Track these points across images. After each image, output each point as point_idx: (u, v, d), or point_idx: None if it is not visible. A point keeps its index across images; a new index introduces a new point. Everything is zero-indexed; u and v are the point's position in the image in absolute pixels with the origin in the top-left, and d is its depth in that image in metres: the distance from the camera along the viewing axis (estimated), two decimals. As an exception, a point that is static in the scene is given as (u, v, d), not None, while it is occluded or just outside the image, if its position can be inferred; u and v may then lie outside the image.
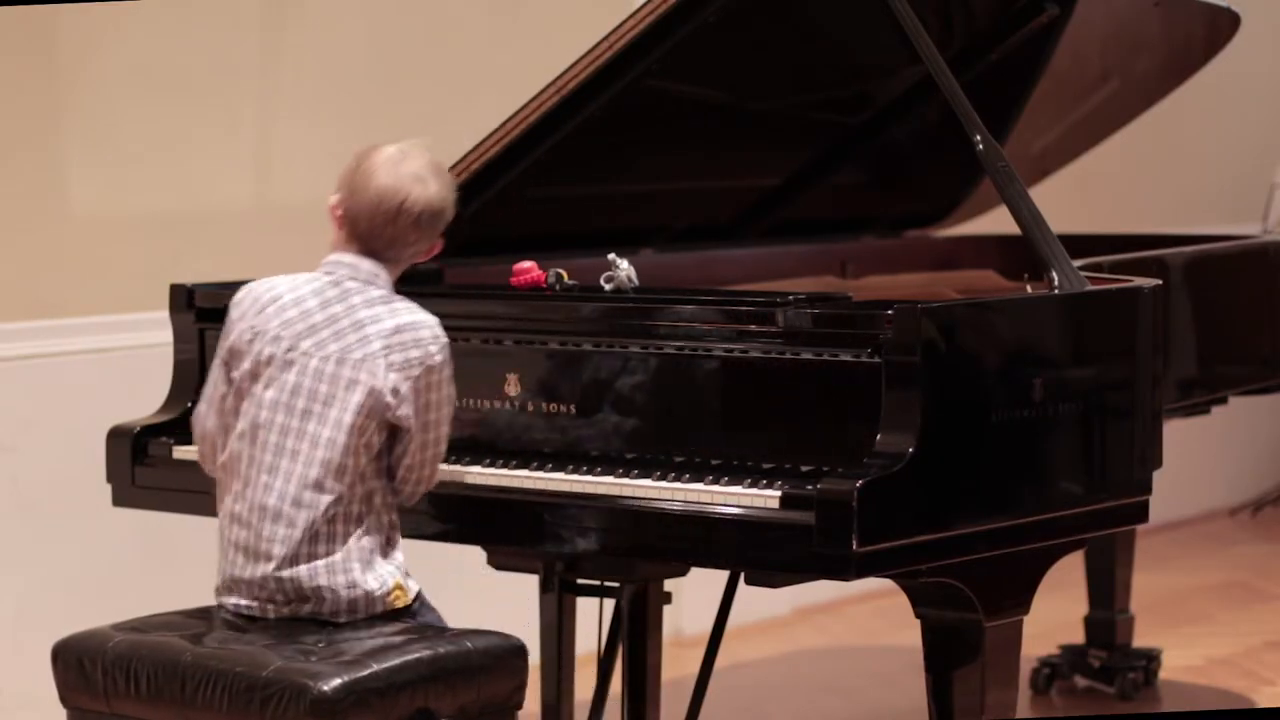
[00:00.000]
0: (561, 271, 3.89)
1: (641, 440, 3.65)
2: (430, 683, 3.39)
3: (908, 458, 3.33)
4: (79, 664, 3.54)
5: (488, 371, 3.83)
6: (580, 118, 4.13)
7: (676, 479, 3.54)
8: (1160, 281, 3.84)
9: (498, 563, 4.21)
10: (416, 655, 3.39)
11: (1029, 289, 4.13)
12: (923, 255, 5.29)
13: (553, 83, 4.06)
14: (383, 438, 3.53)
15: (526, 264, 3.91)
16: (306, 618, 3.50)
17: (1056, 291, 3.68)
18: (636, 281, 3.82)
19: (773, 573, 3.51)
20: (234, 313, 3.58)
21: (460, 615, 3.62)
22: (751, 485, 3.46)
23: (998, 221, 4.64)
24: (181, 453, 3.96)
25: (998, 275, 4.93)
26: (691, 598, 5.09)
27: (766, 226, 4.99)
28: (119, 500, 4.09)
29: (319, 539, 3.49)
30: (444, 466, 3.74)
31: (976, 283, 4.82)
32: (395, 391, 3.49)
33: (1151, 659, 5.45)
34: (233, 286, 3.69)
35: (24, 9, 4.99)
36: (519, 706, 3.54)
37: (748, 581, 3.56)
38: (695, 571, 3.91)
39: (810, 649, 6.11)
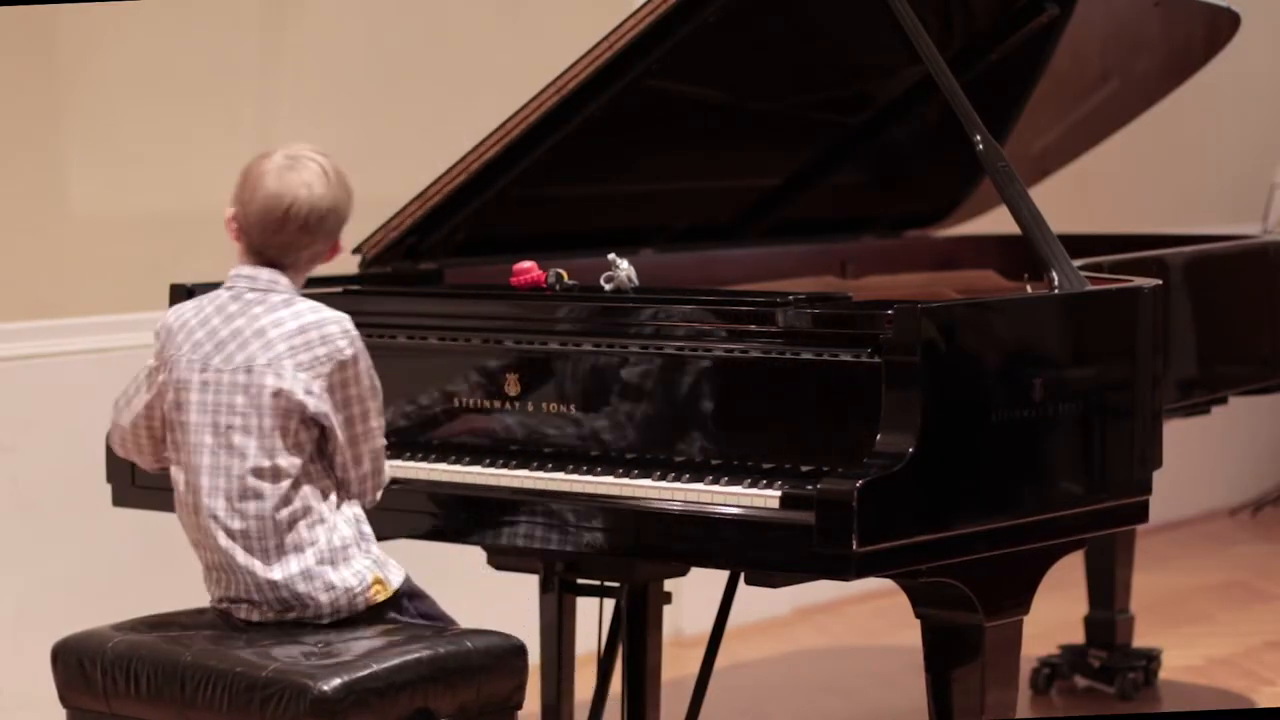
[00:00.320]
0: (561, 271, 3.89)
1: (641, 440, 3.65)
2: (430, 683, 3.39)
3: (908, 458, 3.32)
4: (79, 664, 3.54)
5: (488, 371, 3.83)
6: (580, 118, 4.12)
7: (676, 479, 3.54)
8: (1160, 281, 3.84)
9: (498, 563, 4.21)
10: (416, 655, 3.39)
11: (1029, 289, 4.13)
12: (923, 255, 5.29)
13: (553, 83, 4.06)
14: (313, 435, 3.51)
15: (526, 264, 3.91)
16: (294, 622, 3.51)
17: (1056, 291, 3.68)
18: (636, 281, 3.82)
19: (773, 573, 3.51)
20: (156, 348, 3.61)
21: (460, 615, 3.62)
22: (751, 485, 3.46)
23: (998, 221, 4.64)
24: (181, 453, 3.95)
25: (998, 275, 4.93)
26: (691, 598, 5.08)
27: (766, 226, 4.99)
28: (119, 500, 4.09)
29: (283, 548, 3.49)
30: (444, 466, 3.75)
31: (976, 283, 4.82)
32: (308, 391, 3.47)
33: (1151, 659, 5.45)
34: (233, 286, 3.70)
35: (24, 9, 4.99)
36: (519, 706, 3.54)
37: (748, 581, 3.56)
38: (695, 571, 3.91)
39: (810, 649, 6.11)
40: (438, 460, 3.82)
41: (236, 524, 3.48)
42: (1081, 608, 5.44)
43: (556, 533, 3.61)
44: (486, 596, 4.87)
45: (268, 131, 5.36)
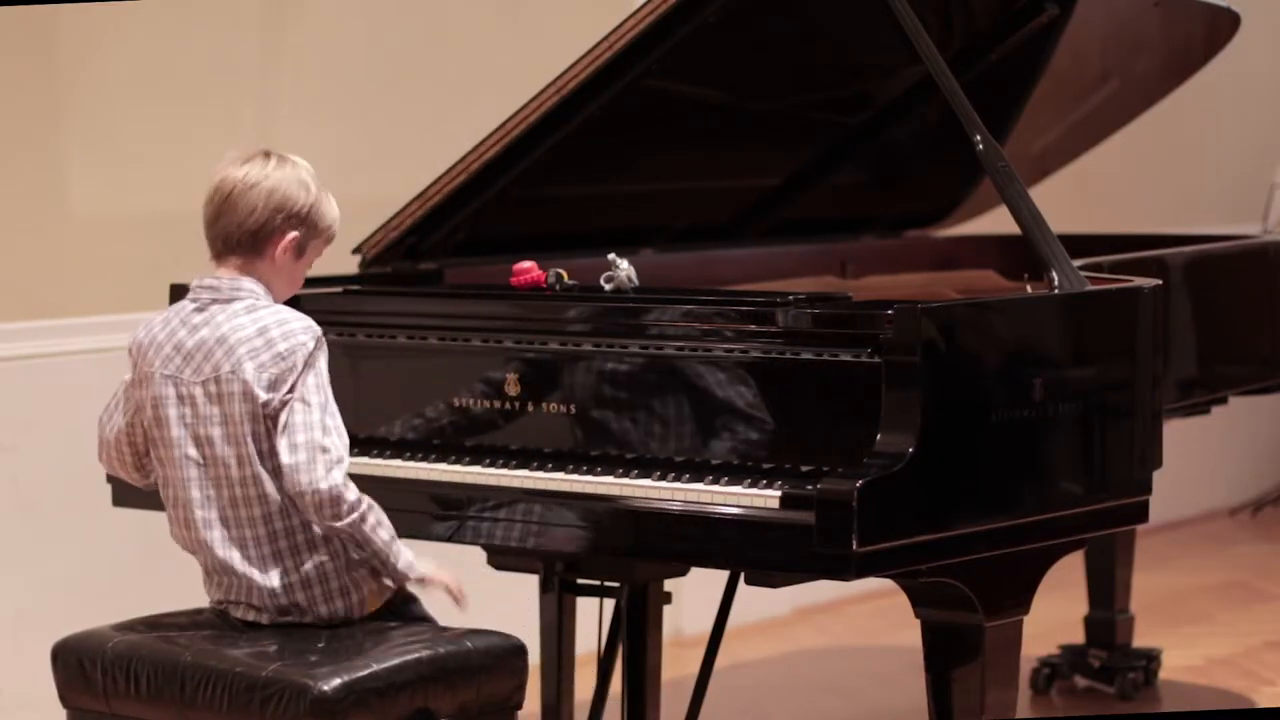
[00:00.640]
0: (561, 271, 3.89)
1: (641, 440, 3.65)
2: (430, 683, 3.39)
3: (908, 458, 3.32)
4: (79, 664, 3.54)
5: (488, 372, 3.83)
6: (580, 118, 4.12)
7: (676, 479, 3.54)
8: (1160, 281, 3.84)
9: (498, 563, 4.21)
10: (416, 655, 3.39)
11: (1029, 289, 4.13)
12: (923, 255, 5.29)
13: (553, 83, 4.06)
14: None
15: (526, 264, 3.91)
16: (294, 623, 3.51)
17: (1056, 291, 3.68)
18: (636, 281, 3.82)
19: (773, 573, 3.51)
20: (130, 364, 3.60)
21: (461, 615, 3.62)
22: (751, 485, 3.46)
23: (998, 221, 4.64)
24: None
25: (998, 275, 4.93)
26: (691, 598, 5.09)
27: (766, 226, 4.99)
28: (119, 500, 4.09)
29: (280, 555, 3.48)
30: (444, 466, 3.74)
31: (976, 283, 4.82)
32: (266, 386, 3.43)
33: (1151, 659, 5.45)
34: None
35: (24, 9, 4.99)
36: (519, 706, 3.54)
37: (748, 581, 3.56)
38: (695, 571, 3.91)
39: (810, 649, 6.11)
40: (438, 460, 3.82)
41: (231, 533, 3.48)
42: (1081, 608, 5.44)
43: (556, 533, 3.61)
44: (486, 596, 4.86)
45: (268, 131, 5.36)
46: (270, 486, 3.46)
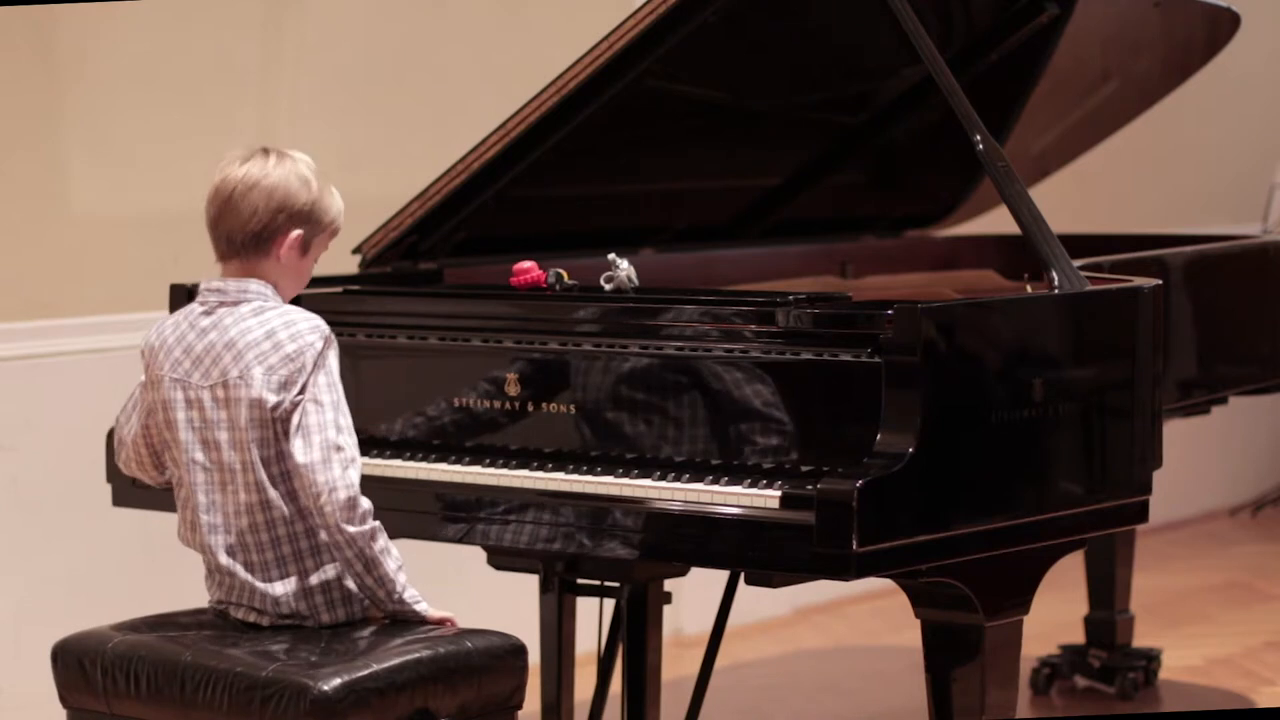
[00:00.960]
0: (561, 271, 3.89)
1: (642, 440, 3.65)
2: (430, 682, 3.39)
3: (908, 458, 3.33)
4: (79, 664, 3.53)
5: (488, 371, 3.83)
6: (580, 118, 4.12)
7: (676, 479, 3.54)
8: (1160, 281, 3.84)
9: (498, 563, 4.21)
10: (416, 655, 3.39)
11: (1029, 289, 4.13)
12: (923, 255, 5.29)
13: (553, 83, 4.06)
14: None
15: (526, 264, 3.91)
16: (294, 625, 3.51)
17: (1056, 291, 3.68)
18: (636, 281, 3.82)
19: (773, 573, 3.51)
20: (143, 367, 3.60)
21: (460, 615, 3.62)
22: (751, 485, 3.46)
23: (998, 221, 4.64)
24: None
25: (998, 275, 4.93)
26: (691, 598, 5.09)
27: (766, 226, 4.99)
28: (119, 500, 4.09)
29: (283, 561, 3.48)
30: (444, 466, 3.74)
31: (976, 283, 4.82)
32: (275, 389, 3.43)
33: (1151, 659, 5.45)
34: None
35: (24, 9, 4.99)
36: (519, 706, 3.54)
37: (748, 581, 3.56)
38: (695, 571, 3.91)
39: (810, 649, 6.11)
40: (438, 460, 3.82)
41: (234, 538, 3.48)
42: (1081, 608, 5.44)
43: (557, 533, 3.61)
44: (486, 596, 4.87)
45: (268, 131, 5.37)
46: (274, 494, 3.46)
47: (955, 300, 3.65)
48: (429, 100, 5.65)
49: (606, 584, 4.11)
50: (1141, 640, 5.55)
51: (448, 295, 4.14)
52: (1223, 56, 5.26)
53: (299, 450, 3.41)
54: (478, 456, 3.79)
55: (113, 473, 4.04)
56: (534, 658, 3.78)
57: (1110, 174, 6.98)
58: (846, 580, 3.32)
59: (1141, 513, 3.73)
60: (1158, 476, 3.75)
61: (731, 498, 3.44)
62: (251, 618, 3.51)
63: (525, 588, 4.53)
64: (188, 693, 3.39)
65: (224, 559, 3.48)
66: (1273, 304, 4.90)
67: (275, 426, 3.44)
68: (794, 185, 4.93)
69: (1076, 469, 3.61)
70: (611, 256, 3.83)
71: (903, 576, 3.46)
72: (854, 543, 3.26)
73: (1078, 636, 5.49)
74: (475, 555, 4.19)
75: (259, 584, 3.47)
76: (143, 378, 3.60)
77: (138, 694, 3.46)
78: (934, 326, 3.39)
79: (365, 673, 3.32)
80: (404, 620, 3.53)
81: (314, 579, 3.49)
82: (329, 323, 3.51)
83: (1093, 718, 5.29)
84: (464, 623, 3.56)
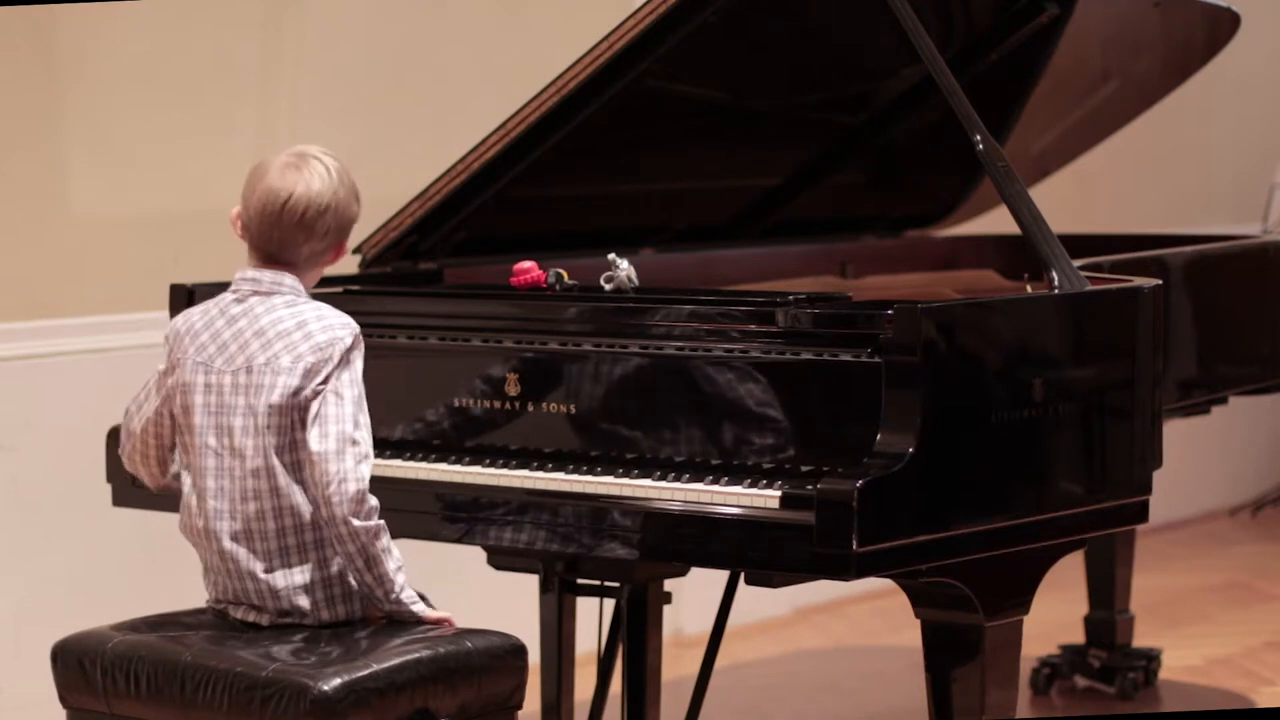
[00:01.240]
0: (561, 271, 3.89)
1: (641, 440, 3.65)
2: (430, 682, 3.39)
3: (908, 458, 3.33)
4: (79, 664, 3.53)
5: (488, 371, 3.83)
6: (580, 118, 4.13)
7: (676, 479, 3.54)
8: (1160, 281, 3.84)
9: (498, 563, 4.21)
10: (416, 655, 3.39)
11: (1029, 289, 4.13)
12: (923, 255, 5.29)
13: (553, 83, 4.06)
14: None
15: (526, 264, 3.91)
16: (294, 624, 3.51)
17: (1056, 291, 3.68)
18: (636, 281, 3.82)
19: (773, 573, 3.51)
20: (165, 352, 3.60)
21: (460, 615, 3.62)
22: (751, 485, 3.46)
23: (998, 221, 4.64)
24: (181, 453, 3.95)
25: (998, 275, 4.93)
26: (691, 598, 5.09)
27: (766, 226, 4.99)
28: (119, 500, 4.09)
29: (287, 552, 3.48)
30: (444, 466, 3.74)
31: (976, 283, 4.82)
32: (300, 376, 3.44)
33: (1151, 659, 5.45)
34: (233, 286, 3.70)
35: (24, 9, 4.99)
36: (519, 706, 3.54)
37: (748, 581, 3.56)
38: (695, 571, 3.91)
39: (810, 649, 6.11)
40: (438, 460, 3.82)
41: (239, 526, 3.48)
42: (1081, 608, 5.44)
43: (557, 533, 3.61)
44: (486, 596, 4.87)
45: (268, 131, 5.37)
46: (283, 482, 3.46)
47: (955, 300, 3.65)
48: (429, 100, 5.65)
49: (606, 584, 4.11)
50: (1141, 640, 5.55)
51: (448, 295, 4.14)
52: (1223, 56, 5.26)
53: (314, 439, 3.43)
54: (478, 456, 3.79)
55: (113, 473, 4.04)
56: (534, 658, 3.78)
57: (1110, 174, 6.98)
58: (846, 580, 3.32)
59: (1141, 513, 3.73)
60: (1158, 476, 3.75)
61: (731, 498, 3.44)
62: (250, 617, 3.51)
63: (525, 588, 4.53)
64: (188, 693, 3.39)
65: (228, 544, 3.48)
66: (1273, 304, 4.90)
67: (293, 414, 3.45)
68: (794, 185, 4.93)
69: (1076, 469, 3.61)
70: (611, 256, 3.83)
71: (903, 576, 3.46)
72: (854, 543, 3.26)
73: (1078, 636, 5.49)
74: (475, 555, 4.19)
75: (261, 574, 3.47)
76: (161, 365, 3.61)
77: (138, 694, 3.46)
78: (934, 326, 3.39)
79: (365, 673, 3.32)
80: (401, 620, 3.53)
81: (317, 573, 3.49)
82: (329, 323, 3.52)
83: (1093, 718, 5.29)
84: (464, 623, 3.56)
